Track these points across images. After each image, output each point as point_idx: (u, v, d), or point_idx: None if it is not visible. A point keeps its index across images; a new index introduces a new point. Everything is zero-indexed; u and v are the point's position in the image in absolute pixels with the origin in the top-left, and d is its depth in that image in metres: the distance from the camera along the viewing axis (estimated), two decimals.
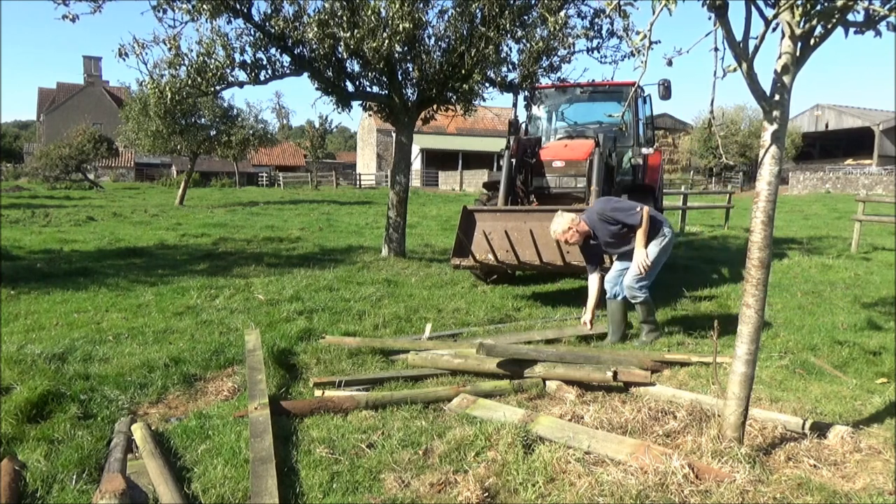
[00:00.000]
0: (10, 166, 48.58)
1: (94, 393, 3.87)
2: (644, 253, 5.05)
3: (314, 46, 8.16)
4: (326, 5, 7.79)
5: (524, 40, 8.36)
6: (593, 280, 5.37)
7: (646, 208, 5.11)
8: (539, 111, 9.07)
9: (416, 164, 46.11)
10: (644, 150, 8.25)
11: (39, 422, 3.46)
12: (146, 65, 8.11)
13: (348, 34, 7.55)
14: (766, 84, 2.85)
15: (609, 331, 5.34)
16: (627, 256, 5.25)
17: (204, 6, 7.49)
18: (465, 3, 8.04)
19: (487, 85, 8.99)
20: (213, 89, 8.37)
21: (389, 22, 7.45)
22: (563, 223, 5.17)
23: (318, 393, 3.94)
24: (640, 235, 5.07)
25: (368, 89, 9.54)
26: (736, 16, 2.70)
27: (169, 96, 7.94)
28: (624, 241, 5.23)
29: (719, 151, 40.57)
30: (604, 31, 8.70)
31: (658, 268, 5.26)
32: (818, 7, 2.63)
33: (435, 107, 9.82)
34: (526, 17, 8.22)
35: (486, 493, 2.76)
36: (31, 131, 76.85)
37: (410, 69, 9.05)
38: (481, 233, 6.39)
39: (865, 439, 3.31)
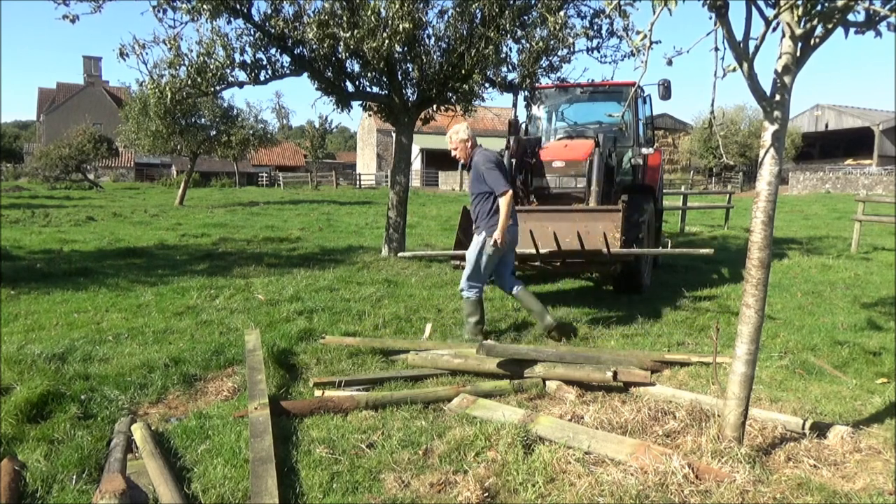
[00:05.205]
0: (10, 166, 48.56)
1: (94, 393, 3.87)
2: (500, 230, 4.93)
3: (314, 46, 8.15)
4: (326, 5, 7.79)
5: (524, 40, 8.35)
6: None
7: (510, 194, 4.96)
8: (539, 111, 9.06)
9: (416, 164, 46.09)
10: (644, 150, 8.25)
11: (39, 422, 3.46)
12: (146, 65, 8.12)
13: (348, 34, 7.55)
14: (767, 84, 2.85)
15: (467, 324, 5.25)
16: (475, 233, 5.17)
17: (204, 6, 7.48)
18: (464, 3, 8.03)
19: (487, 85, 8.98)
20: (213, 89, 8.36)
21: (389, 22, 7.44)
22: (459, 131, 5.13)
23: (318, 393, 3.94)
24: (502, 209, 4.91)
25: (368, 89, 9.54)
26: (736, 16, 2.70)
27: (169, 96, 7.94)
28: (481, 210, 5.12)
29: (719, 151, 40.63)
30: (603, 31, 8.70)
31: (487, 268, 5.13)
32: (818, 7, 2.63)
33: (435, 107, 9.81)
34: (526, 17, 8.22)
35: (486, 493, 2.76)
36: (31, 131, 76.79)
37: (410, 69, 9.05)
38: None
39: (865, 439, 3.31)
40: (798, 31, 2.67)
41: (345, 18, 7.66)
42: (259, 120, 27.79)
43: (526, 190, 7.48)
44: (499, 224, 4.95)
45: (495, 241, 4.96)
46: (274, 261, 9.49)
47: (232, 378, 4.31)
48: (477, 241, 5.16)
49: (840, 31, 2.68)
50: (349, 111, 9.75)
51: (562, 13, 8.06)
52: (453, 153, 5.28)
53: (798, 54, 2.76)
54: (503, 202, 4.94)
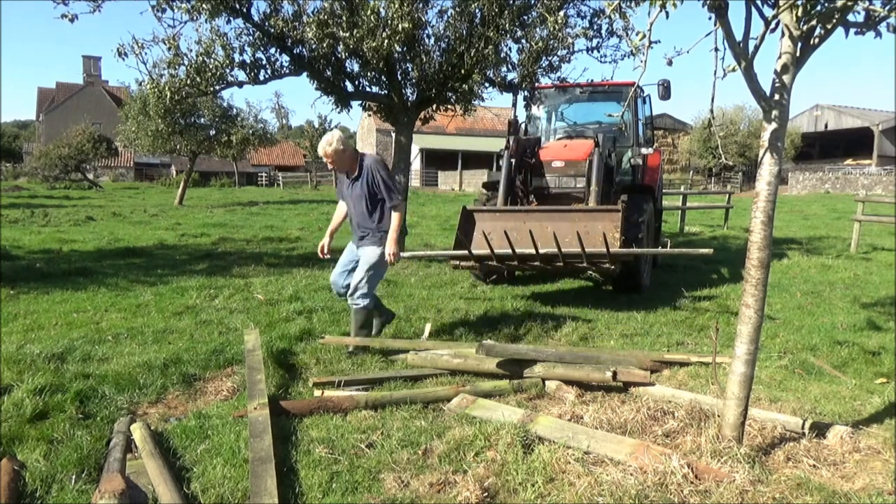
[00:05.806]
0: (10, 166, 48.56)
1: (94, 393, 3.87)
2: (394, 243, 4.80)
3: (313, 46, 8.14)
4: (326, 5, 7.78)
5: (524, 40, 8.35)
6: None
7: (404, 206, 4.91)
8: (538, 111, 9.07)
9: (416, 164, 46.06)
10: (643, 151, 8.25)
11: (39, 422, 3.46)
12: (145, 64, 8.11)
13: (348, 34, 7.55)
14: (766, 84, 2.85)
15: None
16: (362, 242, 4.99)
17: (203, 6, 7.47)
18: (464, 3, 8.03)
19: (487, 85, 8.98)
20: (212, 89, 8.36)
21: (389, 22, 7.44)
22: (332, 141, 4.74)
23: (317, 393, 3.94)
24: (395, 222, 4.80)
25: (368, 89, 9.53)
26: (736, 16, 2.70)
27: (168, 96, 7.93)
28: (368, 220, 4.93)
29: (719, 151, 40.56)
30: (603, 31, 8.69)
31: (381, 277, 5.01)
32: (818, 8, 2.63)
33: (434, 107, 9.81)
34: (525, 17, 8.21)
35: (486, 493, 2.76)
36: (31, 131, 76.65)
37: (410, 69, 9.04)
38: (481, 233, 6.39)
39: (865, 439, 3.31)
40: (797, 32, 2.67)
41: (344, 18, 7.65)
42: (259, 120, 27.90)
43: (525, 190, 7.48)
44: (392, 236, 4.81)
45: (393, 254, 4.82)
46: (273, 260, 9.49)
47: (231, 378, 4.31)
48: (379, 250, 4.89)
49: (840, 31, 2.68)
50: (349, 111, 9.74)
51: (562, 13, 8.06)
52: (330, 166, 4.96)
53: (798, 54, 2.76)
54: (399, 214, 4.84)
